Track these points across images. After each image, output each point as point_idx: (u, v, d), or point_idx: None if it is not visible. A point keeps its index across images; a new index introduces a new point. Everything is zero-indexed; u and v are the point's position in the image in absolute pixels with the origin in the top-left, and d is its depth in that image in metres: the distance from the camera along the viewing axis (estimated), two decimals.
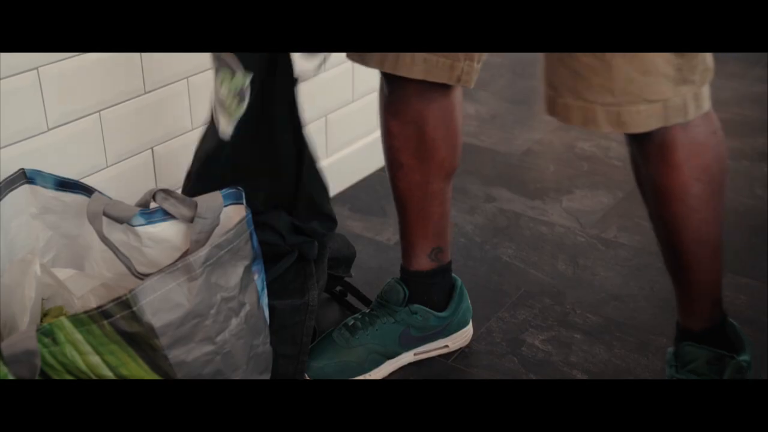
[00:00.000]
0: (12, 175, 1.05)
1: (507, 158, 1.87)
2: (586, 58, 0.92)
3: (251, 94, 1.00)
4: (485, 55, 1.11)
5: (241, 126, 1.02)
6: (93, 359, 0.90)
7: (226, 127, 1.02)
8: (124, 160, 1.29)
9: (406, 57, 1.06)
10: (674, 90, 0.92)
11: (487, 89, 2.19)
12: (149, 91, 1.29)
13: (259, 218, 1.04)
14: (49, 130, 1.16)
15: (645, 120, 0.93)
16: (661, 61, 0.90)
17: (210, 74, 1.35)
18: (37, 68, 1.12)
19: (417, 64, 1.06)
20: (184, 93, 1.35)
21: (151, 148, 1.32)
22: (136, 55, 1.25)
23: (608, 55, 0.90)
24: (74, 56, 1.16)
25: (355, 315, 1.23)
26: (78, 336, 0.88)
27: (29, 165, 1.08)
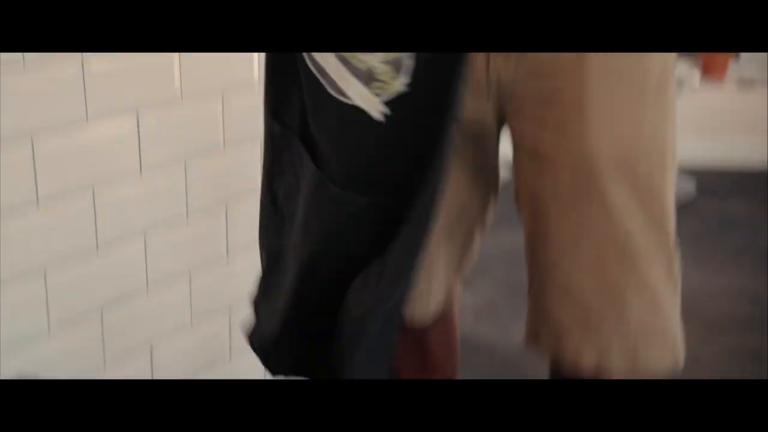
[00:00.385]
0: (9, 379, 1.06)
1: (504, 352, 1.87)
2: (594, 297, 0.87)
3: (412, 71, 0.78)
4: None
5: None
6: None
7: (377, 105, 0.80)
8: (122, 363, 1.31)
9: (421, 298, 0.98)
10: (676, 325, 0.91)
11: (485, 277, 2.23)
12: (150, 293, 1.33)
13: None
14: (50, 333, 1.19)
15: (661, 359, 0.89)
16: (668, 295, 0.88)
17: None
18: (44, 271, 1.17)
19: (432, 301, 1.01)
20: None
21: (150, 347, 1.35)
22: (140, 256, 1.30)
23: (620, 287, 0.85)
24: (76, 260, 1.21)
25: None
26: None
27: (29, 368, 1.10)
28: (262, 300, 1.06)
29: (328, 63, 0.82)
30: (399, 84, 0.79)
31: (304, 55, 0.84)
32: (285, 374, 1.07)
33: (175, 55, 1.26)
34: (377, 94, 0.81)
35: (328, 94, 0.83)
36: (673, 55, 0.88)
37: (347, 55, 0.80)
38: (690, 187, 2.72)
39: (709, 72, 3.13)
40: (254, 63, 1.37)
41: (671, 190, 0.88)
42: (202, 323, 1.41)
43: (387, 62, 0.79)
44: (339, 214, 0.88)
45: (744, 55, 3.19)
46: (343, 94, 0.82)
